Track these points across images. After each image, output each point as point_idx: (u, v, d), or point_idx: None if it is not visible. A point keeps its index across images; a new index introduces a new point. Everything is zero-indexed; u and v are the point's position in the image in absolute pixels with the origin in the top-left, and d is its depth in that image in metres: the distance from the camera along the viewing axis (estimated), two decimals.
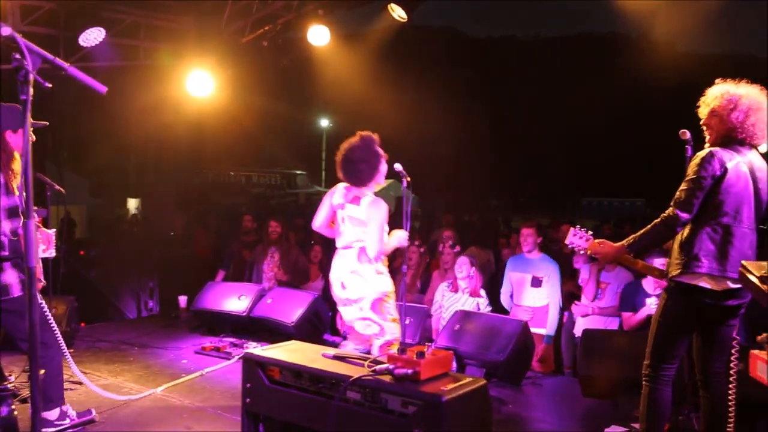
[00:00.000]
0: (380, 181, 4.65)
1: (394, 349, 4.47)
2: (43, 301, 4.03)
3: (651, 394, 3.61)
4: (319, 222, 4.72)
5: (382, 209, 4.50)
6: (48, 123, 4.00)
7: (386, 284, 4.52)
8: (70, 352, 6.03)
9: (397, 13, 8.04)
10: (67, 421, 4.08)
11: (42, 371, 3.88)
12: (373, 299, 4.47)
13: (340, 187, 4.64)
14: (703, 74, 3.75)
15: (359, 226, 4.50)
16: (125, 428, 4.25)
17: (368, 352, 4.60)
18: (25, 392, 4.47)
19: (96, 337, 6.63)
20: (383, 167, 4.62)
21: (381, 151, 4.58)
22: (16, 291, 3.91)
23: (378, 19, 8.78)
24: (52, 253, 4.30)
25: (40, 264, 4.06)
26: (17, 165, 3.90)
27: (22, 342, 3.94)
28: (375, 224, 4.45)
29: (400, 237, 4.68)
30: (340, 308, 4.65)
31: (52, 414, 4.04)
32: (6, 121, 3.84)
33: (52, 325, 4.09)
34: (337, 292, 4.59)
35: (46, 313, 4.06)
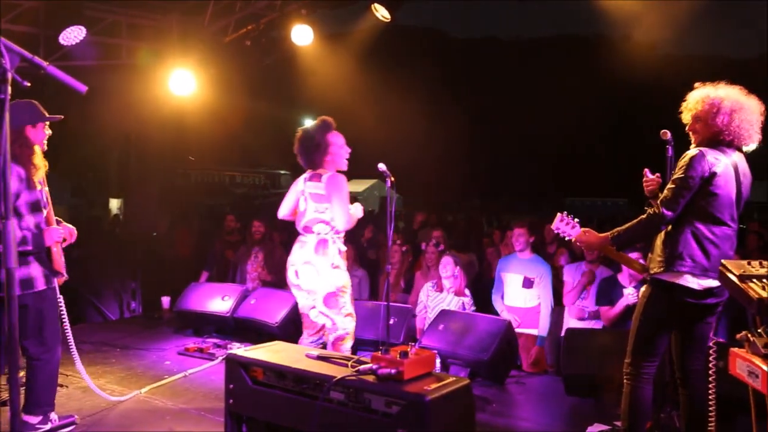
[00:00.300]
0: (340, 166, 4.70)
1: (347, 344, 4.53)
2: (61, 298, 4.09)
3: (632, 392, 3.64)
4: (284, 210, 4.80)
5: (342, 182, 4.59)
6: (63, 117, 4.07)
7: (341, 278, 4.55)
8: None
9: (381, 13, 8.03)
10: (48, 425, 4.03)
11: (22, 373, 3.86)
12: (326, 293, 4.50)
13: (303, 176, 4.74)
14: (684, 75, 3.79)
15: (321, 201, 4.55)
16: (108, 430, 4.22)
17: (323, 344, 4.68)
18: (4, 395, 4.42)
19: (77, 338, 6.47)
20: (337, 152, 4.67)
21: (331, 137, 4.63)
22: (40, 285, 3.92)
23: (361, 19, 8.78)
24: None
25: (62, 258, 4.06)
26: (38, 159, 3.96)
27: (24, 339, 3.93)
28: (337, 197, 4.51)
29: (360, 207, 4.86)
30: (294, 292, 4.71)
31: (34, 417, 3.99)
32: (24, 117, 3.88)
33: (64, 325, 4.12)
34: (290, 278, 4.64)
35: (62, 312, 4.09)
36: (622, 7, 7.92)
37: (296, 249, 4.62)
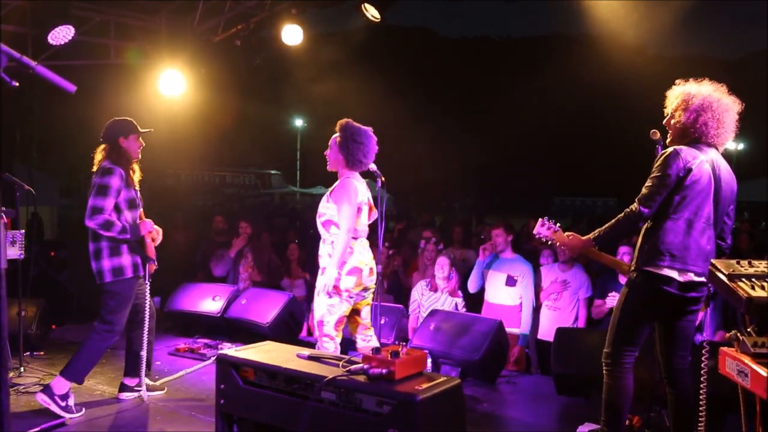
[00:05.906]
0: None
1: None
2: (147, 285, 4.72)
3: (614, 382, 3.66)
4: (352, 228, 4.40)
5: None
6: (152, 129, 4.79)
7: None
8: (41, 355, 5.97)
9: (371, 12, 8.00)
10: (63, 402, 4.32)
11: None
12: None
13: (361, 184, 4.52)
14: (673, 76, 3.82)
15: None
16: (98, 430, 4.21)
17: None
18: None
19: (68, 339, 6.52)
20: None
21: None
22: (128, 273, 4.52)
23: (351, 18, 8.78)
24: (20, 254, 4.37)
25: (153, 248, 4.67)
26: (135, 164, 4.72)
27: (98, 314, 4.54)
28: None
29: None
30: (351, 296, 4.40)
31: (63, 385, 4.35)
32: (118, 131, 4.64)
33: (144, 311, 4.68)
34: (365, 277, 4.44)
35: (145, 299, 4.70)
36: (611, 7, 7.96)
37: (363, 251, 4.45)
